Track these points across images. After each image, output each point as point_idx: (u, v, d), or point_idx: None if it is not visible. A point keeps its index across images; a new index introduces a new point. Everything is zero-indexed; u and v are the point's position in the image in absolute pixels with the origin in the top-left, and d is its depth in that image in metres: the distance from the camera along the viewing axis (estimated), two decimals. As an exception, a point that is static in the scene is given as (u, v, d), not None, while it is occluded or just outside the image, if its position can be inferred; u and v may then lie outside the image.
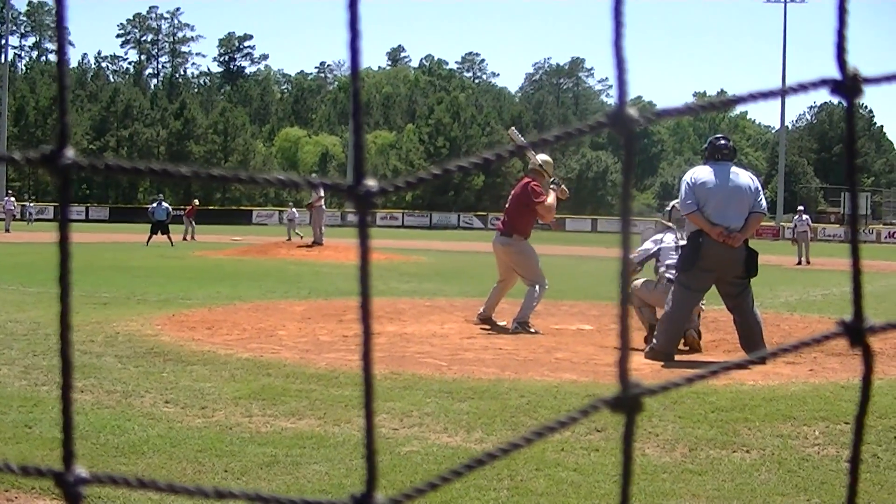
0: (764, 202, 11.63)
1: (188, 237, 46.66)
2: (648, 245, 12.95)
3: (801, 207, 43.25)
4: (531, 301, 13.99)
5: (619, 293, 0.86)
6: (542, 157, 14.79)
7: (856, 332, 0.91)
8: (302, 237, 42.83)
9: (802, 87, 0.86)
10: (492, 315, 14.43)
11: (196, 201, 55.17)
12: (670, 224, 13.01)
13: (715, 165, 11.56)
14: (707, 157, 11.81)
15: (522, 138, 14.79)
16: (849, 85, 0.86)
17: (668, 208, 13.32)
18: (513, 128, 15.08)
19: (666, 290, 11.93)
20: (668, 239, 12.78)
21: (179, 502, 5.73)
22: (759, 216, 11.51)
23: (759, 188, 11.74)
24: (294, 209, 53.61)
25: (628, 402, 0.81)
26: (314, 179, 0.80)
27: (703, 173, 11.53)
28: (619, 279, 0.84)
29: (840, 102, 0.90)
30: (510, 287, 14.67)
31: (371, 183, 0.77)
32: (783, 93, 0.86)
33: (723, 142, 11.94)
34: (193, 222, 48.85)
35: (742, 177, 11.64)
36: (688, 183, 11.47)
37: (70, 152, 0.73)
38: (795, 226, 40.90)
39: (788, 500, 5.99)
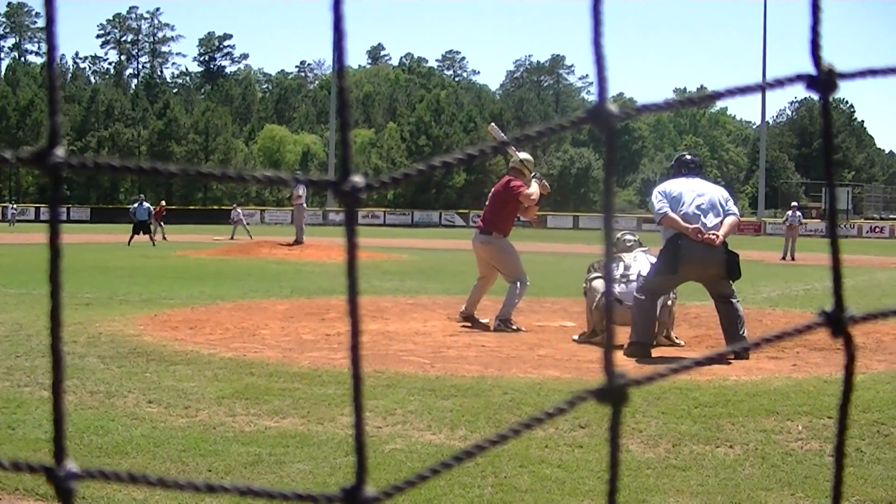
0: (736, 209, 11.76)
1: (157, 237, 45.92)
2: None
3: (794, 203, 43.54)
4: (513, 298, 14.01)
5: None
6: (522, 155, 14.81)
7: (837, 322, 0.93)
8: (252, 237, 43.15)
9: (779, 83, 0.87)
10: (473, 313, 14.43)
11: (163, 202, 55.08)
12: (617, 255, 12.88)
13: (684, 178, 11.71)
14: (674, 172, 11.99)
15: (503, 134, 14.82)
16: (824, 80, 0.87)
17: (618, 236, 13.20)
18: (493, 124, 15.07)
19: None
20: (637, 258, 12.73)
21: (163, 500, 5.73)
22: (734, 217, 11.60)
23: (730, 198, 11.90)
24: (238, 209, 54.31)
25: (614, 392, 0.82)
26: (301, 176, 0.80)
27: (673, 184, 11.70)
28: (603, 271, 0.85)
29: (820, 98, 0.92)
30: (491, 284, 14.66)
31: (357, 179, 0.78)
32: (760, 88, 0.87)
33: (689, 157, 12.32)
34: (162, 223, 48.37)
35: (711, 187, 11.88)
36: (659, 192, 11.64)
37: (60, 151, 0.74)
38: (787, 219, 41.15)
39: (772, 495, 6.01)
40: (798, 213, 41.17)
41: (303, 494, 0.80)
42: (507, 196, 14.35)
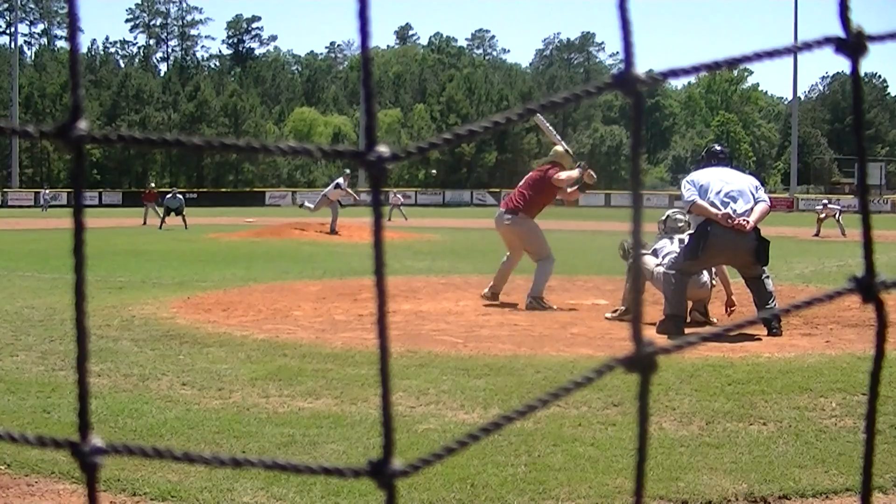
0: (766, 196, 11.74)
1: (147, 221, 45.48)
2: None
3: (825, 201, 43.81)
4: (543, 276, 14.01)
5: (630, 255, 0.86)
6: (564, 147, 14.85)
7: (868, 288, 0.91)
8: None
9: (808, 46, 0.86)
10: (499, 293, 14.43)
11: (153, 184, 55.24)
12: (665, 234, 12.82)
13: (713, 168, 11.71)
14: (703, 163, 12.02)
15: (548, 125, 14.87)
16: (853, 43, 0.86)
17: (663, 217, 13.13)
18: (539, 115, 15.06)
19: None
20: (669, 242, 12.67)
21: (197, 482, 5.75)
22: (765, 205, 11.56)
23: (760, 185, 11.92)
24: (399, 195, 54.77)
25: (642, 361, 0.81)
26: (326, 147, 0.80)
27: (702, 174, 11.70)
28: (632, 240, 0.84)
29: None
30: (517, 263, 14.65)
31: (382, 149, 0.78)
32: (790, 51, 0.86)
33: (717, 147, 12.43)
34: (156, 206, 47.86)
35: (741, 176, 11.91)
36: (688, 181, 11.71)
37: (83, 124, 0.73)
38: (824, 209, 41.02)
39: (806, 472, 5.98)
40: (831, 206, 41.23)
41: (329, 468, 0.80)
42: (545, 184, 14.40)
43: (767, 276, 11.54)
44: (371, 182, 0.78)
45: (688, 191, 11.44)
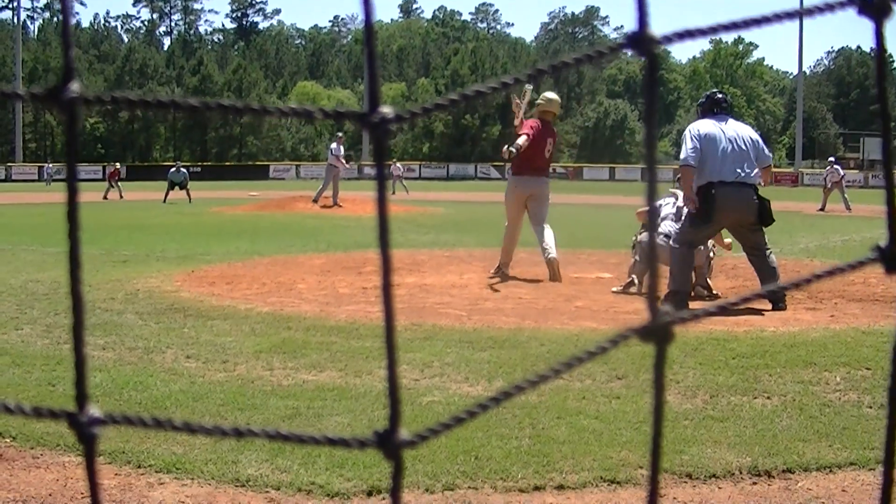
0: (769, 152, 11.68)
1: (109, 196, 45.28)
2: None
3: (831, 159, 43.34)
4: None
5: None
6: (549, 95, 14.93)
7: (892, 259, 0.89)
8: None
9: (829, 7, 0.83)
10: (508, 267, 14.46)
11: (118, 164, 55.58)
12: (677, 189, 12.77)
13: (715, 118, 11.54)
14: (704, 111, 11.77)
15: (525, 100, 14.80)
16: (878, 2, 0.83)
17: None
18: (529, 86, 15.01)
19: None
20: (668, 203, 12.67)
21: (202, 454, 5.75)
22: (768, 164, 11.57)
23: (759, 139, 11.75)
24: (399, 164, 55.11)
25: (658, 330, 0.79)
26: (327, 108, 0.77)
27: (706, 126, 11.46)
28: (646, 204, 0.82)
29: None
30: (521, 228, 14.67)
31: (385, 110, 0.76)
32: (808, 12, 0.84)
33: (720, 95, 12.06)
34: (119, 185, 47.67)
35: (744, 129, 11.73)
36: (693, 135, 11.37)
37: (75, 86, 0.71)
38: (827, 175, 40.78)
39: (810, 446, 5.98)
40: (836, 166, 40.76)
41: (335, 438, 0.78)
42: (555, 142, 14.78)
43: (770, 251, 11.49)
44: (374, 145, 0.76)
45: (690, 149, 11.28)
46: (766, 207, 11.29)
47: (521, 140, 14.11)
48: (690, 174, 11.27)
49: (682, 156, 11.37)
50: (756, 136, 11.65)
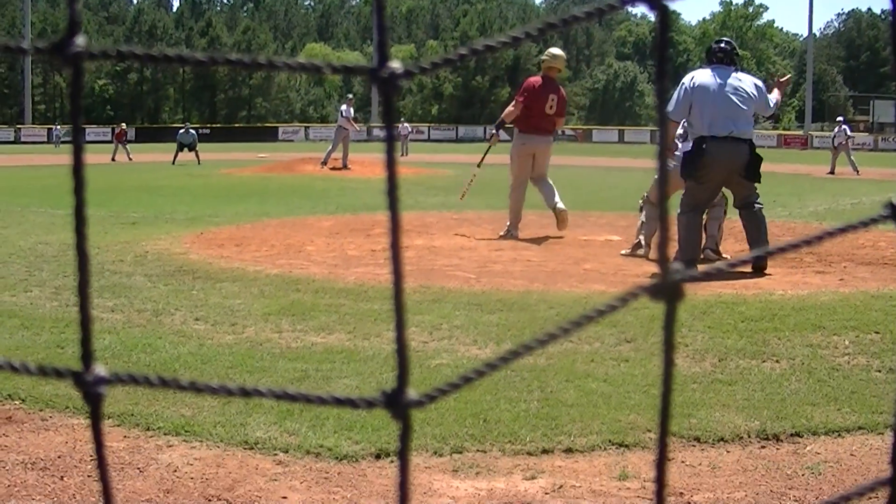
0: (772, 103, 11.47)
1: (117, 157, 45.32)
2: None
3: (840, 118, 43.00)
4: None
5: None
6: (553, 51, 15.02)
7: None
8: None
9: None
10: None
11: (124, 124, 55.30)
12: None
13: (716, 69, 11.30)
14: (707, 60, 11.57)
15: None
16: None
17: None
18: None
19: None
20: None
21: (210, 416, 5.77)
22: (771, 110, 11.49)
23: (763, 87, 11.46)
24: (407, 125, 55.65)
25: (669, 288, 0.78)
26: (336, 63, 0.76)
27: (701, 76, 11.25)
28: (657, 160, 0.81)
29: (869, 9, 0.87)
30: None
31: (395, 65, 0.75)
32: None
33: (717, 45, 11.65)
34: (128, 146, 47.67)
35: (745, 81, 11.36)
36: (685, 86, 11.16)
37: (80, 40, 0.70)
38: (835, 137, 40.56)
39: (818, 410, 5.98)
40: (844, 126, 40.47)
41: (342, 398, 0.77)
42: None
43: (760, 206, 11.35)
44: (383, 101, 0.75)
45: (678, 100, 11.15)
46: (756, 164, 11.14)
47: (508, 110, 14.47)
48: (673, 125, 11.31)
49: (670, 108, 11.22)
50: (758, 87, 11.36)
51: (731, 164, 11.00)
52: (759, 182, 11.31)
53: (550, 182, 14.45)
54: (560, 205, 14.37)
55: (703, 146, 10.94)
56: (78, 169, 0.71)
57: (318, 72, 0.75)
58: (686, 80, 11.28)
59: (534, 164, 14.57)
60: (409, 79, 0.75)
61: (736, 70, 11.38)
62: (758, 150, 11.22)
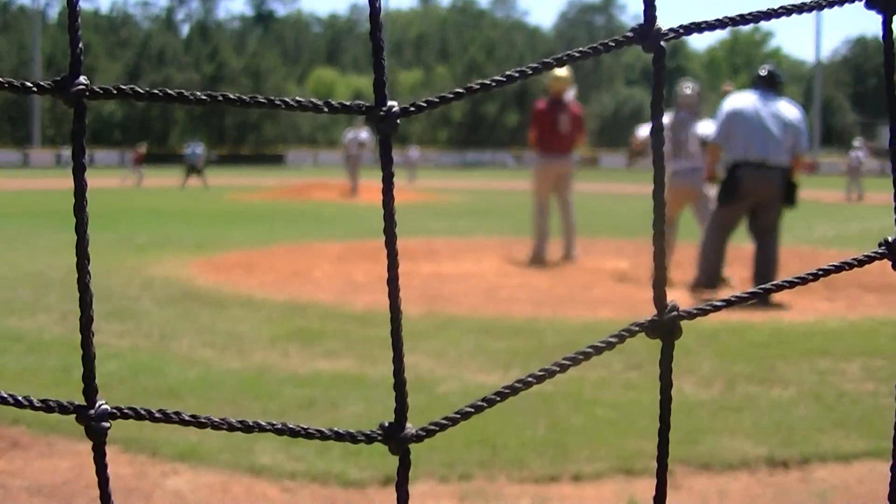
0: (805, 141, 11.40)
1: (130, 183, 44.95)
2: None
3: (856, 143, 42.84)
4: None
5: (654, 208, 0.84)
6: (554, 73, 15.13)
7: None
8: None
9: (838, 0, 0.83)
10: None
11: (144, 146, 54.58)
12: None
13: (758, 93, 11.30)
14: (752, 84, 11.58)
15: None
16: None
17: (676, 88, 13.05)
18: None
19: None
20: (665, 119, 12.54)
21: (216, 442, 5.77)
22: (799, 156, 11.38)
23: (803, 124, 11.36)
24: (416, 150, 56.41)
25: (664, 325, 0.79)
26: (333, 101, 0.77)
27: (742, 100, 11.30)
28: (654, 196, 0.82)
29: (875, 36, 0.88)
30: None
31: (392, 103, 0.75)
32: (819, 6, 0.84)
33: (763, 72, 11.62)
34: (142, 169, 47.42)
35: (786, 110, 11.30)
36: (726, 110, 11.28)
37: (83, 79, 0.71)
38: (850, 160, 40.39)
39: (827, 436, 5.96)
40: (858, 153, 40.31)
41: (341, 432, 0.78)
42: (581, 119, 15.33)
43: (776, 238, 11.32)
44: (381, 139, 0.76)
45: (719, 125, 11.26)
46: (793, 190, 11.17)
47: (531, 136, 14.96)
48: (713, 150, 11.35)
49: (711, 137, 11.49)
50: (798, 120, 11.28)
51: (763, 192, 11.03)
52: (795, 206, 11.35)
53: (573, 219, 14.58)
54: (574, 253, 14.65)
55: (737, 172, 11.00)
56: (80, 207, 0.72)
57: (318, 110, 0.76)
58: (725, 104, 11.36)
59: (557, 190, 14.73)
60: (405, 116, 0.76)
61: (778, 97, 11.36)
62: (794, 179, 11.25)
